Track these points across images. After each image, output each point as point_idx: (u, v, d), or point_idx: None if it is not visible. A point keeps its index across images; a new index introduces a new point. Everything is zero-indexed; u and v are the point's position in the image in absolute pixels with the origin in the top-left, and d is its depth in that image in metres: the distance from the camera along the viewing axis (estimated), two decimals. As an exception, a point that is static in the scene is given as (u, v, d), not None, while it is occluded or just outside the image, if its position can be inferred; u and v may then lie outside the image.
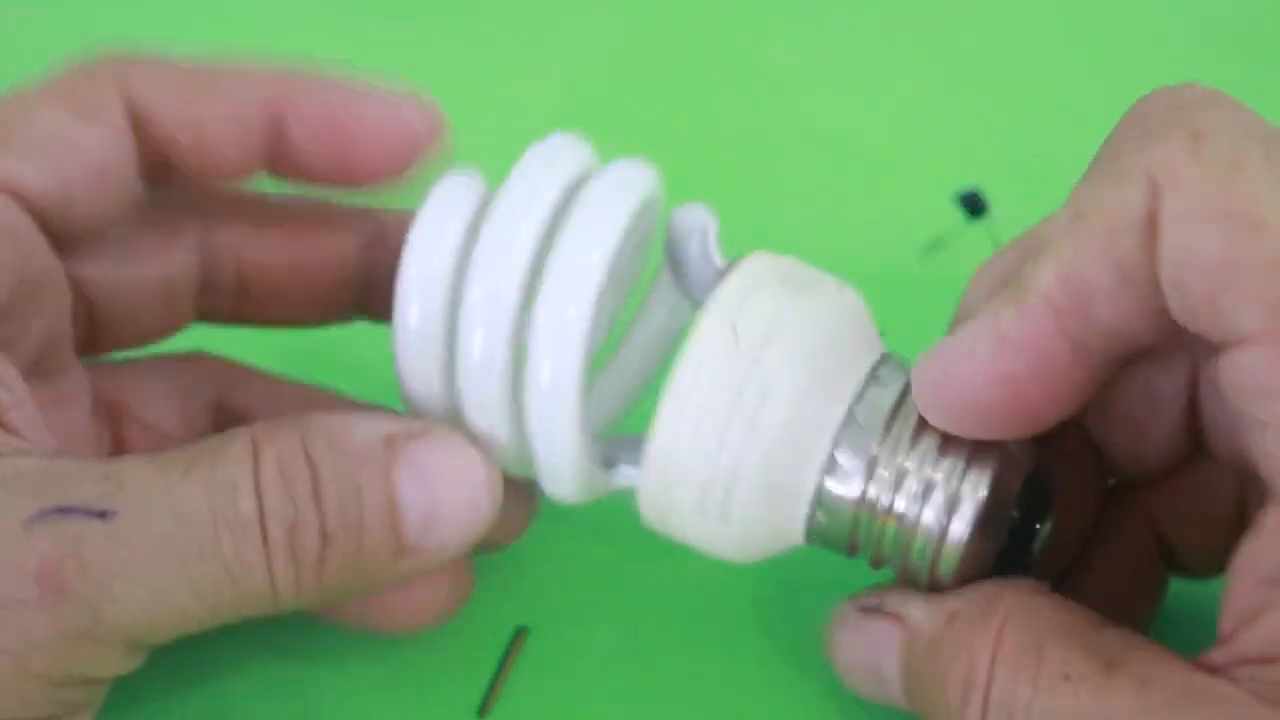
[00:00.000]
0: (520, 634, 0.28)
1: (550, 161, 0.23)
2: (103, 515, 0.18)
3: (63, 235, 0.22)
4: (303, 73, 0.23)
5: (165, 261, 0.25)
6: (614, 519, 0.31)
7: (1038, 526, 0.23)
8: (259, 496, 0.18)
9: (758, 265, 0.23)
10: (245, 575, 0.18)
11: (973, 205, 0.36)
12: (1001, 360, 0.20)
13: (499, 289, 0.21)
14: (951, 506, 0.21)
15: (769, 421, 0.21)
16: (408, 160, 0.24)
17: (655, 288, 0.27)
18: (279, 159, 0.23)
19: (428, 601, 0.24)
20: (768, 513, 0.22)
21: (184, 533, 0.18)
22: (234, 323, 0.27)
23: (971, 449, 0.22)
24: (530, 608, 0.28)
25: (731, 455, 0.21)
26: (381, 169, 0.24)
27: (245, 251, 0.25)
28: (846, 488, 0.22)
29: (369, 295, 0.26)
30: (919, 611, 0.22)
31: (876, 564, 0.23)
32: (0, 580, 0.17)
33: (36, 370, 0.22)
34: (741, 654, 0.28)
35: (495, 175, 0.23)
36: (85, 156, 0.21)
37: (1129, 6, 0.45)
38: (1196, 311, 0.19)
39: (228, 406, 0.26)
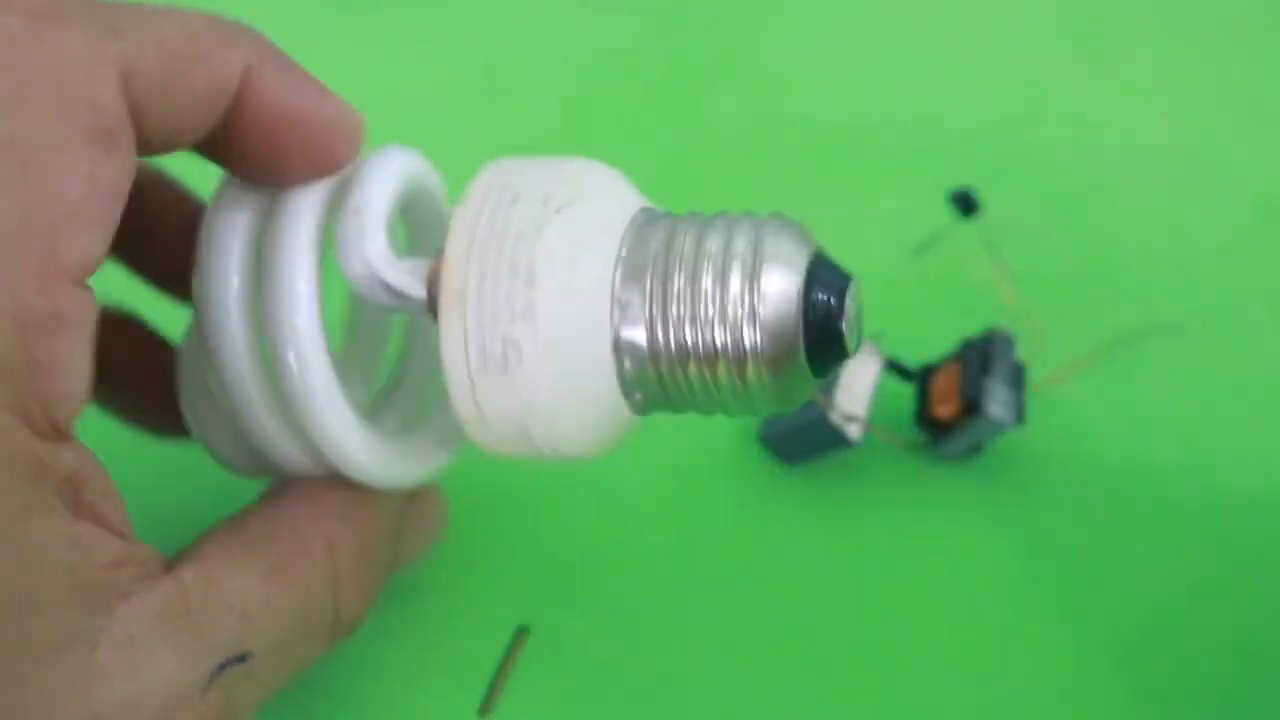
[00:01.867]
0: (520, 634, 0.28)
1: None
2: (243, 659, 0.20)
3: None
4: (273, 57, 0.22)
5: None
6: (614, 518, 0.31)
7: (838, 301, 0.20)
8: (338, 604, 0.23)
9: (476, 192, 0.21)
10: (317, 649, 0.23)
11: (965, 204, 0.36)
12: None
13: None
14: (752, 271, 0.19)
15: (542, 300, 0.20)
16: (327, 168, 0.23)
17: None
18: (217, 136, 0.22)
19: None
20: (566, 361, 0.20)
21: (289, 648, 0.22)
22: None
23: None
24: (530, 608, 0.28)
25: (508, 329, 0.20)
26: (301, 172, 0.23)
27: None
28: (634, 327, 0.20)
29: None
30: None
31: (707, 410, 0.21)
32: None
33: None
34: (741, 653, 0.28)
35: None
36: (119, 193, 0.20)
37: (1127, 7, 0.45)
38: None
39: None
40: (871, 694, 0.27)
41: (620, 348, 0.20)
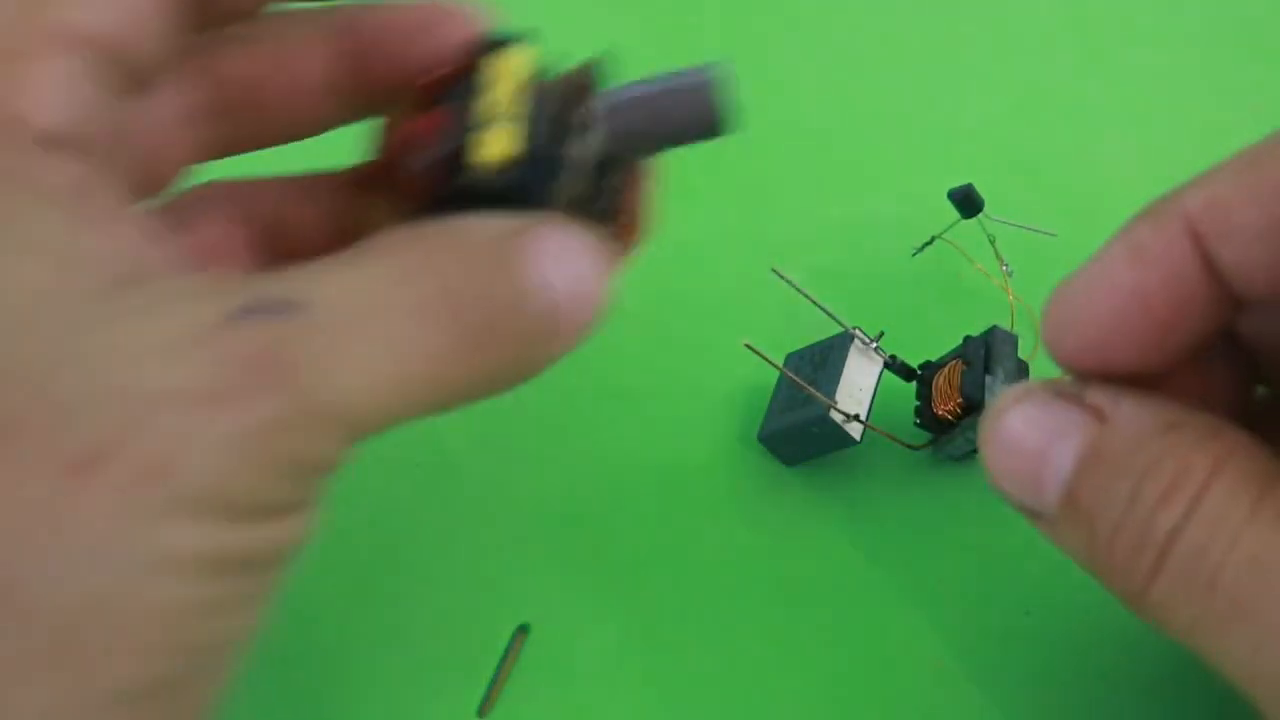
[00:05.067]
0: (520, 634, 0.28)
1: None
2: (296, 308, 0.18)
3: (129, 74, 0.21)
4: None
5: (179, 98, 0.25)
6: (614, 518, 0.31)
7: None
8: (421, 285, 0.19)
9: None
10: (426, 358, 0.19)
11: (965, 204, 0.36)
12: (1134, 270, 0.20)
13: None
14: None
15: None
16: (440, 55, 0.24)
17: None
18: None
19: None
20: None
21: (369, 319, 0.19)
22: (240, 150, 0.27)
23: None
24: (530, 608, 0.28)
25: None
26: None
27: (227, 70, 0.26)
28: None
29: (347, 98, 0.26)
30: (1131, 411, 0.20)
31: None
32: (220, 371, 0.17)
33: None
34: (740, 652, 0.28)
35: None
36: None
37: (1128, 6, 0.45)
38: None
39: (254, 214, 0.27)
40: (872, 693, 0.27)
41: None
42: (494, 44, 0.24)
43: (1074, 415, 0.21)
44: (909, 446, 0.32)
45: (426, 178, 0.22)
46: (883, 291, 0.33)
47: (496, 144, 0.22)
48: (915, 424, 0.32)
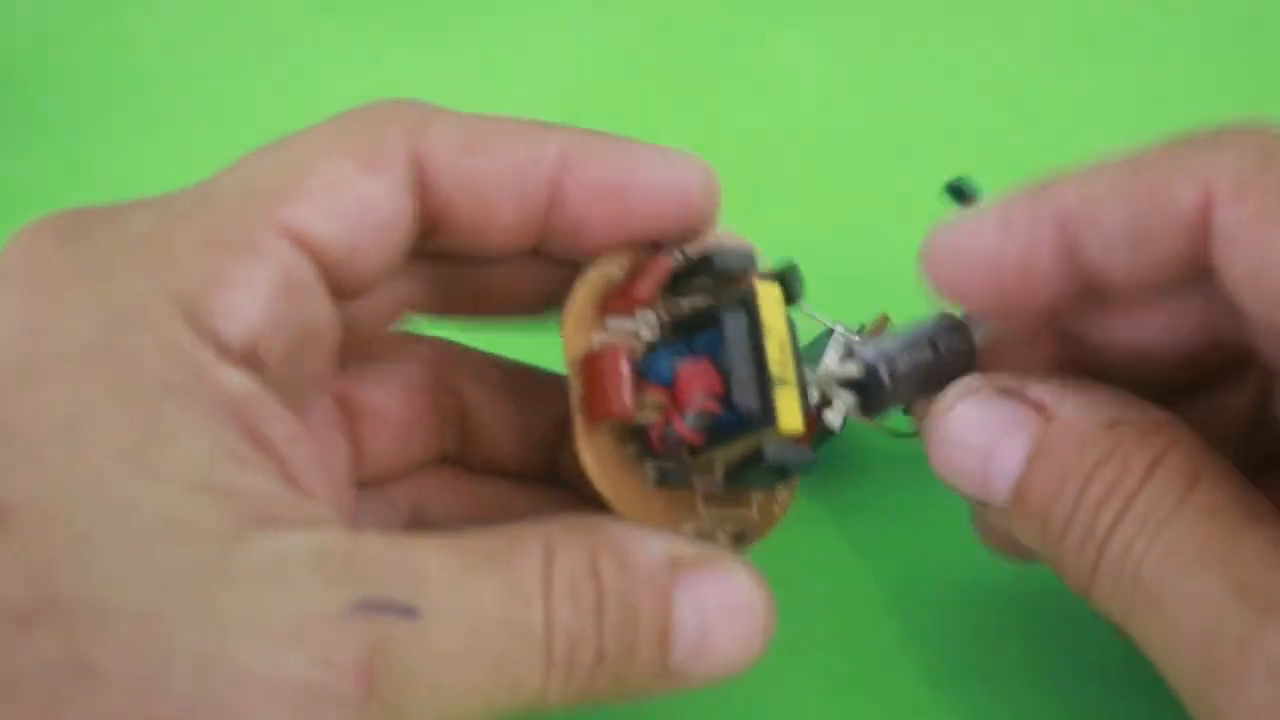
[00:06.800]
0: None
1: None
2: (409, 613, 0.17)
3: (342, 286, 0.21)
4: (584, 131, 0.23)
5: (393, 295, 0.25)
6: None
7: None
8: (548, 610, 0.19)
9: None
10: (525, 684, 0.19)
11: (960, 195, 0.36)
12: (997, 236, 0.22)
13: None
14: None
15: None
16: (686, 224, 0.23)
17: None
18: (553, 225, 0.22)
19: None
20: None
21: (479, 640, 0.18)
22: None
23: None
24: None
25: None
26: (658, 232, 0.23)
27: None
28: None
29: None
30: (1074, 408, 0.21)
31: None
32: (321, 671, 0.17)
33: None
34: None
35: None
36: (371, 210, 0.21)
37: (1127, 6, 0.45)
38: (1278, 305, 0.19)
39: (443, 385, 0.26)
40: (867, 690, 0.27)
41: None
42: (726, 266, 0.23)
43: (1019, 412, 0.22)
44: (895, 435, 0.32)
45: (695, 437, 0.21)
46: (881, 291, 0.33)
47: (795, 412, 0.21)
48: (903, 411, 0.32)
